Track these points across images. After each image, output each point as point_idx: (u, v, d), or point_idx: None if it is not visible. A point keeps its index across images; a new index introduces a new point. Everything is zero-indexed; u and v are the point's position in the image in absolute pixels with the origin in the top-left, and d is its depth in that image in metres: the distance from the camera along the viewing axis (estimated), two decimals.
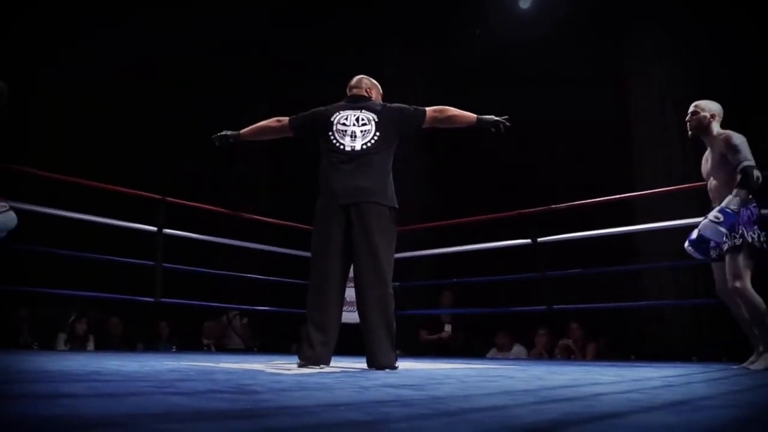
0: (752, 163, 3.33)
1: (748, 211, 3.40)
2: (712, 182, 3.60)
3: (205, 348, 6.64)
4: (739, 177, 3.32)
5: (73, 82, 7.22)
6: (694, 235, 3.54)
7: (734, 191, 3.35)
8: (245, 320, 7.44)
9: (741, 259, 3.44)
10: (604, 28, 7.11)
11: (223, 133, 3.45)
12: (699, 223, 3.47)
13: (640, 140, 6.55)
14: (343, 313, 3.10)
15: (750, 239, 3.37)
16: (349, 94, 3.33)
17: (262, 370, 2.56)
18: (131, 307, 6.10)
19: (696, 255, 3.66)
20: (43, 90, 7.16)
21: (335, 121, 3.16)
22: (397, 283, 6.33)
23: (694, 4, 6.41)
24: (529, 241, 5.29)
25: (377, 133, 3.11)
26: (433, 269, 7.23)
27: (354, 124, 3.13)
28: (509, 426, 1.10)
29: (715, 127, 3.59)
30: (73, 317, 5.86)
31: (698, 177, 3.93)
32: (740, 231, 3.39)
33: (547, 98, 7.05)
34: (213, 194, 7.20)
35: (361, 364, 3.18)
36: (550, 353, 6.14)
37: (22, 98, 7.20)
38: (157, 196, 5.14)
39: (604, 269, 5.59)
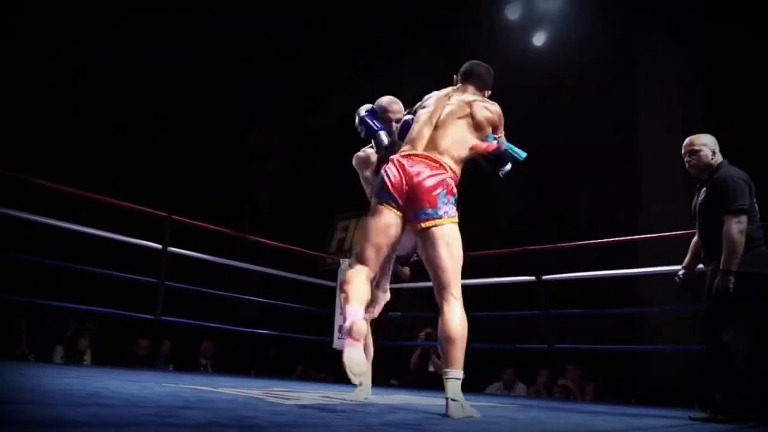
0: None
1: None
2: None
3: (201, 368, 6.58)
4: None
5: (85, 97, 7.26)
6: None
7: None
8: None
9: None
10: (613, 70, 7.16)
11: None
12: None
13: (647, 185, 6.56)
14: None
15: None
16: None
17: (262, 399, 2.54)
18: (128, 322, 6.05)
19: None
20: (51, 101, 7.18)
21: None
22: (398, 313, 6.32)
23: (708, 45, 6.43)
24: (533, 278, 5.26)
25: None
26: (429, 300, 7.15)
27: None
28: None
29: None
30: (71, 331, 5.82)
31: None
32: None
33: (556, 136, 7.08)
34: (219, 213, 7.20)
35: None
36: (549, 392, 6.07)
37: (30, 110, 7.29)
38: (162, 213, 5.12)
39: (608, 311, 5.56)
